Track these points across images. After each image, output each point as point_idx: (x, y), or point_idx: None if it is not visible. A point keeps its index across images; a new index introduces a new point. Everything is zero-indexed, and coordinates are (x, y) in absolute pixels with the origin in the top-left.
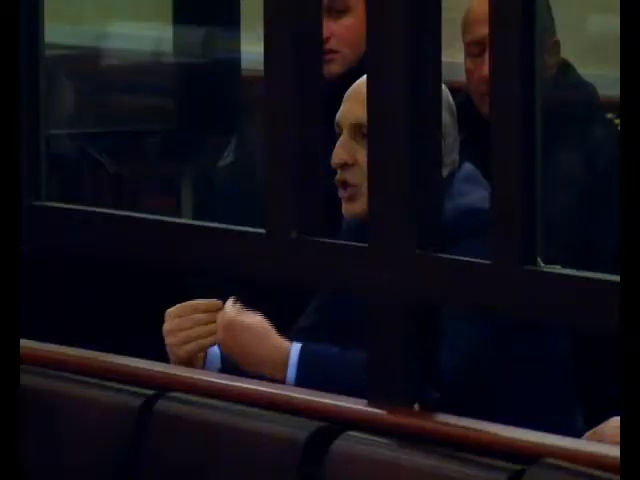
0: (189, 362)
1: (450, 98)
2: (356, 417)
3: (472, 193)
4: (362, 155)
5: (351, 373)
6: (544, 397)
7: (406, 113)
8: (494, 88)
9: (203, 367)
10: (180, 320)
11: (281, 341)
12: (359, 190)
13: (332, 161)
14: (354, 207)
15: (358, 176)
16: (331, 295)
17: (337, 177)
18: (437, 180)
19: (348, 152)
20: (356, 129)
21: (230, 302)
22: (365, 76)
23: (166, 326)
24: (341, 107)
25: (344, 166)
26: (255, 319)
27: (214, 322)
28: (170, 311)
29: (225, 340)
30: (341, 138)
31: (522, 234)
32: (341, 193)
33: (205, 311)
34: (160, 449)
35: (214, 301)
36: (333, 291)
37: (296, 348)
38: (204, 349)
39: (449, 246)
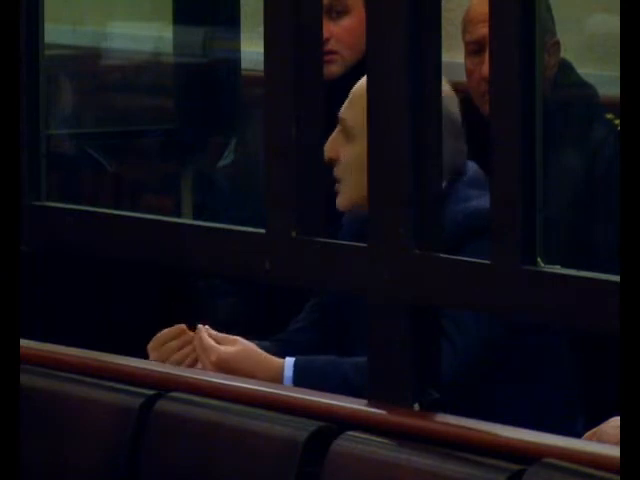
0: None
1: (450, 108)
2: (356, 417)
3: (478, 197)
4: (344, 151)
5: (346, 379)
6: (544, 397)
7: (406, 113)
8: (494, 88)
9: None
10: (157, 354)
11: (271, 359)
12: (341, 185)
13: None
14: (339, 200)
15: (340, 171)
16: (328, 293)
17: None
18: (437, 180)
19: (332, 147)
20: (341, 124)
21: (204, 332)
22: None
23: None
24: None
25: (330, 161)
26: (237, 345)
27: (185, 346)
28: (149, 347)
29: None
30: (333, 133)
31: (522, 234)
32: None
33: (173, 339)
34: (160, 449)
35: (178, 327)
36: (331, 291)
37: (289, 362)
38: None
39: (457, 247)
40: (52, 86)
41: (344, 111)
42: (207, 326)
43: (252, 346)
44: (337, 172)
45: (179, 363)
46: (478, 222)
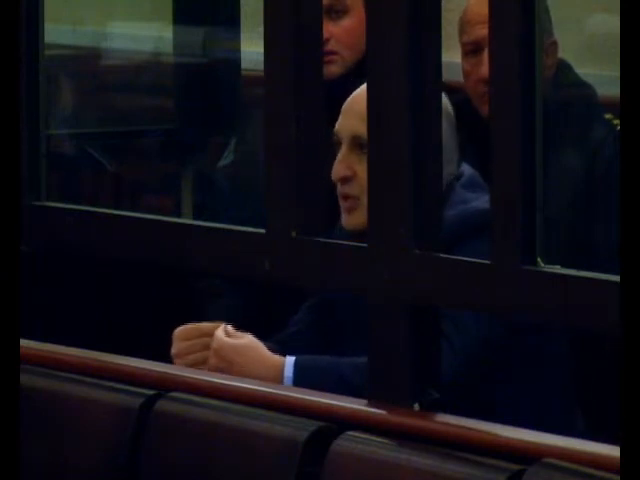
0: None
1: (449, 108)
2: (356, 417)
3: (475, 199)
4: (361, 167)
5: (346, 380)
6: (544, 397)
7: (406, 113)
8: (494, 88)
9: None
10: (188, 344)
11: (273, 357)
12: (359, 202)
13: (332, 176)
14: (353, 219)
15: (357, 188)
16: (325, 294)
17: (338, 190)
18: (437, 180)
19: (347, 166)
20: (354, 142)
21: (222, 327)
22: (361, 87)
23: (174, 349)
24: (340, 118)
25: (344, 179)
26: (244, 339)
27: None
28: (177, 334)
29: (218, 364)
30: (340, 153)
31: (522, 234)
32: (342, 204)
33: (211, 334)
34: (160, 449)
35: (219, 324)
36: (331, 290)
37: (290, 362)
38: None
39: (456, 246)
40: (52, 86)
41: (357, 127)
42: (230, 326)
43: (257, 343)
44: (352, 190)
45: (196, 363)
46: (477, 221)
